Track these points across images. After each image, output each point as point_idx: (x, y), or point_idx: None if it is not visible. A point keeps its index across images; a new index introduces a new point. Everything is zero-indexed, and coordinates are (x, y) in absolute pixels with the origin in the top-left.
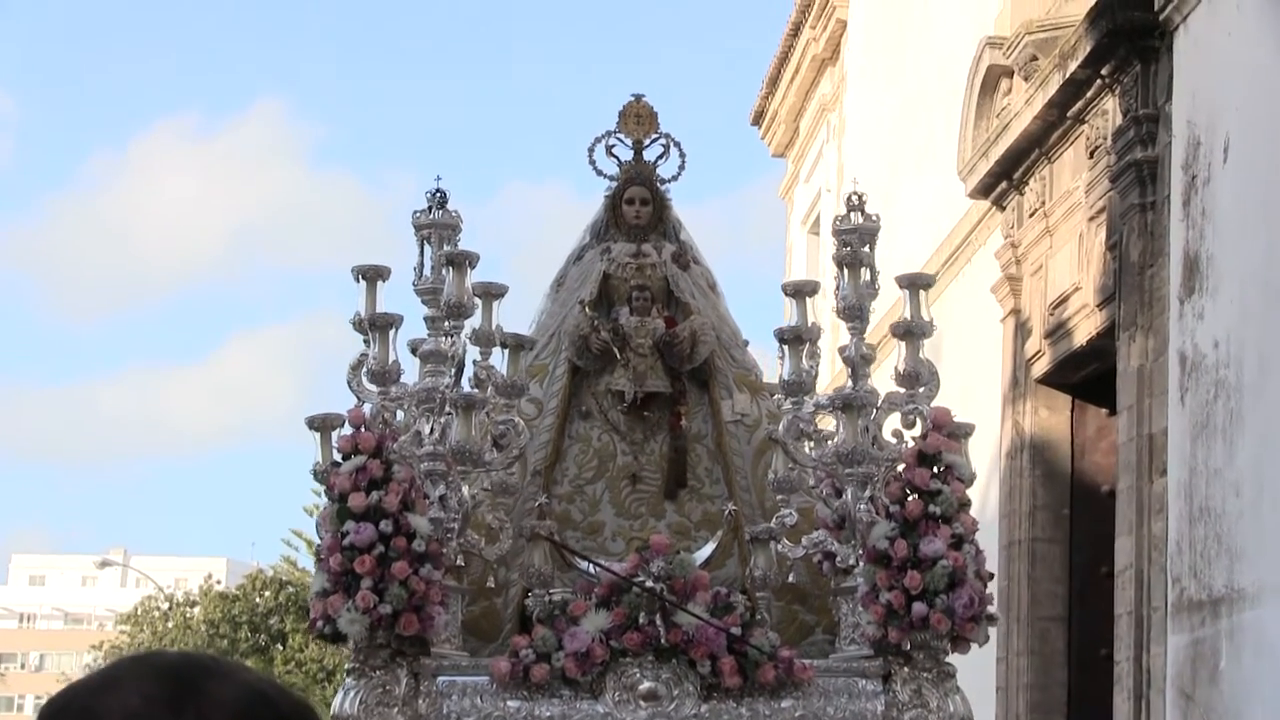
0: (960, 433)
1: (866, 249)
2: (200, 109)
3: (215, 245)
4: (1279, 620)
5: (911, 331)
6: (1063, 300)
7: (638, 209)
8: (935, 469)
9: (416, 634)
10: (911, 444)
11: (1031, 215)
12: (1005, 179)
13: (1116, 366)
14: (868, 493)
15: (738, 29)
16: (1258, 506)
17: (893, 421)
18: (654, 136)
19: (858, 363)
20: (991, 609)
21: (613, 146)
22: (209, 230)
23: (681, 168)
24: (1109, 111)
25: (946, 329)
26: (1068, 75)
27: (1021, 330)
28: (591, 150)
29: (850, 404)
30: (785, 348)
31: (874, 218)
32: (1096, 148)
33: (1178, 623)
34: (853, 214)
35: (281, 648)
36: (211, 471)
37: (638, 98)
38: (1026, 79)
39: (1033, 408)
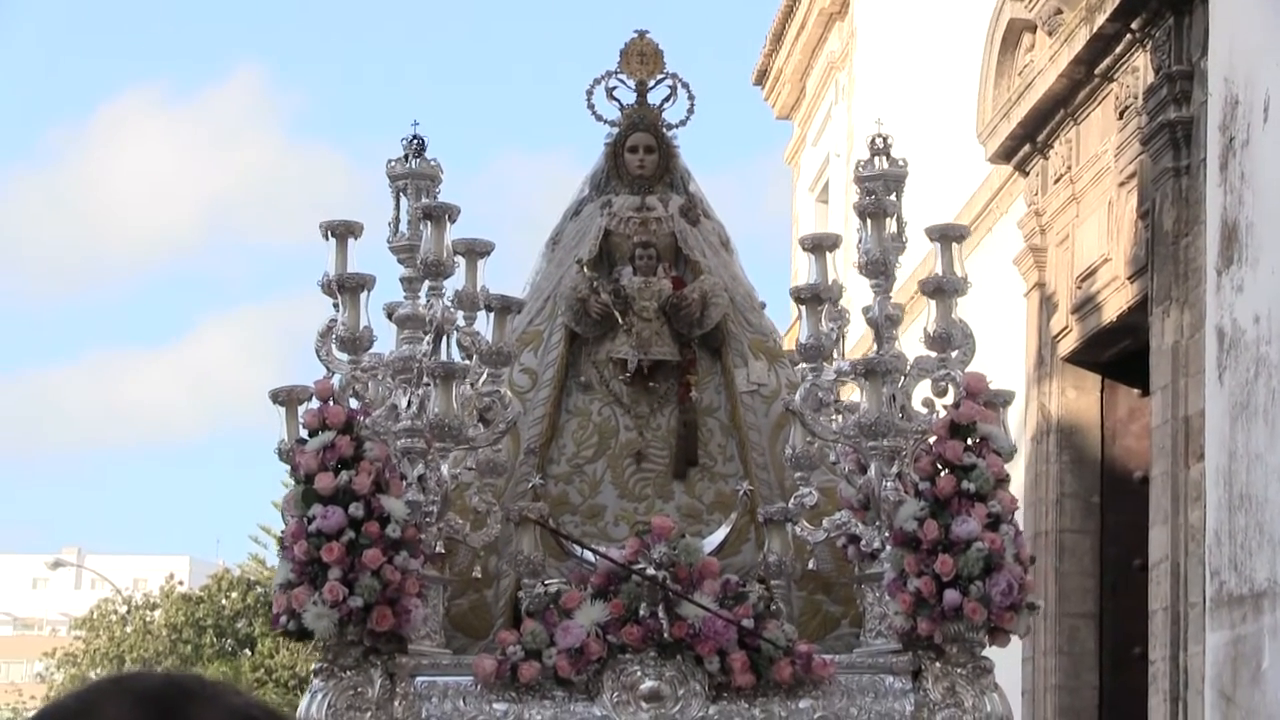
0: (998, 401)
1: (892, 197)
2: (173, 76)
3: (186, 221)
4: None
5: (943, 289)
6: (1091, 272)
7: (641, 157)
8: (969, 441)
9: (391, 630)
10: (943, 414)
11: (1057, 181)
12: (1028, 142)
13: (1149, 344)
14: (895, 469)
15: None
16: None
17: (922, 389)
18: (659, 77)
19: (883, 324)
20: (1032, 597)
21: (614, 88)
22: (179, 205)
23: (690, 111)
24: (1139, 68)
25: (965, 304)
26: (1095, 29)
27: (1047, 305)
28: (590, 92)
29: (875, 370)
30: (803, 308)
31: (901, 162)
32: (1126, 108)
33: (1217, 619)
34: (877, 158)
35: (250, 653)
36: (175, 464)
37: (641, 34)
38: (1050, 34)
39: (1059, 388)
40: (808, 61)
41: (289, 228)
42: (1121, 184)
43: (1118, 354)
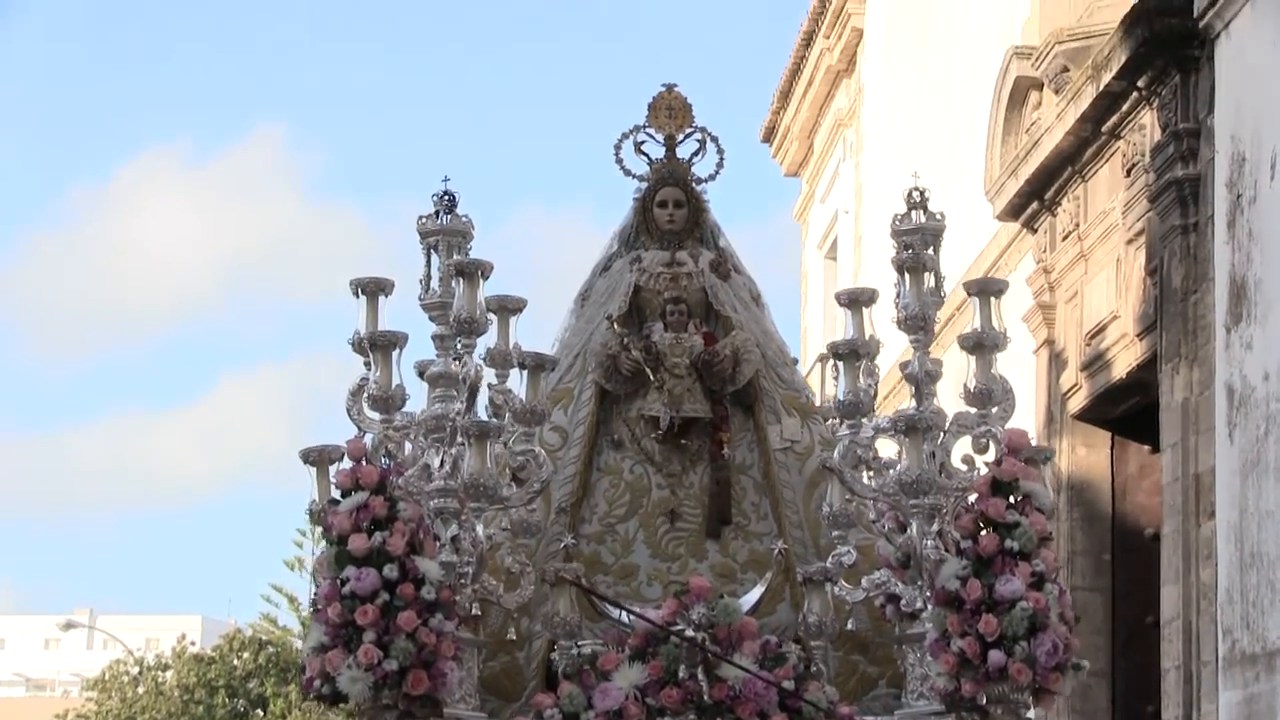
0: (1039, 458)
1: (930, 251)
2: (194, 136)
3: (206, 281)
4: None
5: (983, 344)
6: (1100, 329)
7: (671, 212)
8: (1011, 499)
9: (427, 693)
10: (983, 471)
11: (1065, 238)
12: (1036, 199)
13: (1159, 400)
14: (935, 526)
15: (746, 38)
16: None
17: (962, 446)
18: (688, 131)
19: (922, 379)
20: (1077, 658)
21: (642, 143)
22: (199, 265)
23: (720, 165)
24: (1146, 126)
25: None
26: (1102, 87)
27: (1056, 362)
28: (619, 147)
29: (915, 426)
30: (840, 364)
31: (939, 216)
32: (1134, 165)
33: (1230, 678)
34: (914, 212)
35: (262, 714)
36: (190, 523)
37: (669, 88)
38: (1057, 91)
39: (1070, 445)
40: (815, 118)
41: (309, 287)
42: (1129, 241)
43: (1127, 411)
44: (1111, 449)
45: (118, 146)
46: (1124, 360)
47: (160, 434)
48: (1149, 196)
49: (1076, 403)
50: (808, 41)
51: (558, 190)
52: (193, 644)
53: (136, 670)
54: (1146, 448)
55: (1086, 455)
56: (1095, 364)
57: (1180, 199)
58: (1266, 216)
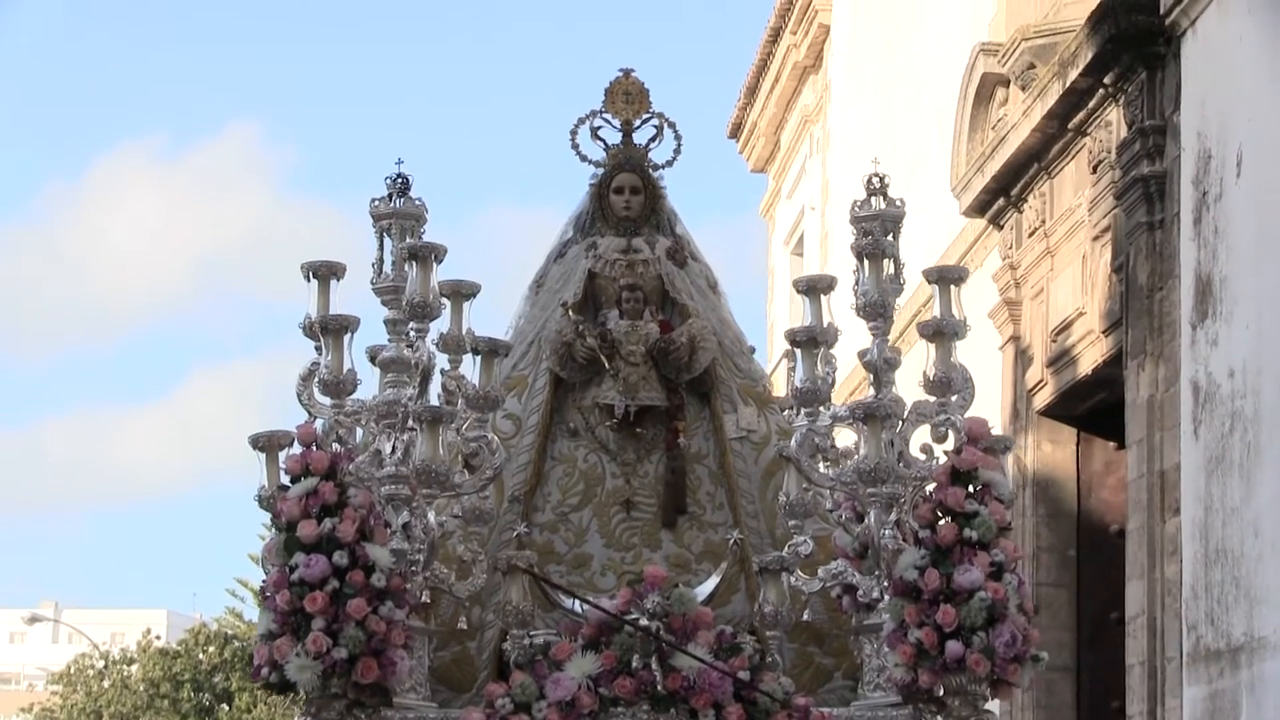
0: (999, 447)
1: (890, 238)
2: (167, 132)
3: (178, 276)
4: None
5: (942, 331)
6: (1066, 326)
7: (627, 198)
8: (971, 488)
9: (376, 682)
10: (942, 460)
11: (1031, 235)
12: (1002, 195)
13: (1125, 397)
14: (893, 516)
15: (713, 34)
16: (1278, 547)
17: (921, 435)
18: (645, 116)
19: (881, 368)
20: (1036, 649)
21: (599, 128)
22: (172, 260)
23: (677, 152)
24: (1112, 123)
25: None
26: (1068, 84)
27: (1022, 358)
28: (575, 132)
29: (874, 414)
30: (799, 352)
31: (898, 203)
32: (1100, 162)
33: (1194, 674)
34: (874, 198)
35: (227, 708)
36: (157, 518)
37: (626, 73)
38: (1024, 88)
39: (1035, 442)
40: (782, 115)
41: (280, 282)
42: (1095, 238)
43: (1093, 407)
44: (1077, 445)
45: (91, 142)
46: (1090, 357)
47: (129, 428)
48: (1115, 193)
49: (1042, 399)
50: (775, 38)
51: (529, 188)
52: (158, 638)
53: (102, 664)
54: (1112, 444)
55: (1052, 451)
56: (1061, 360)
57: (1146, 196)
58: (1232, 214)
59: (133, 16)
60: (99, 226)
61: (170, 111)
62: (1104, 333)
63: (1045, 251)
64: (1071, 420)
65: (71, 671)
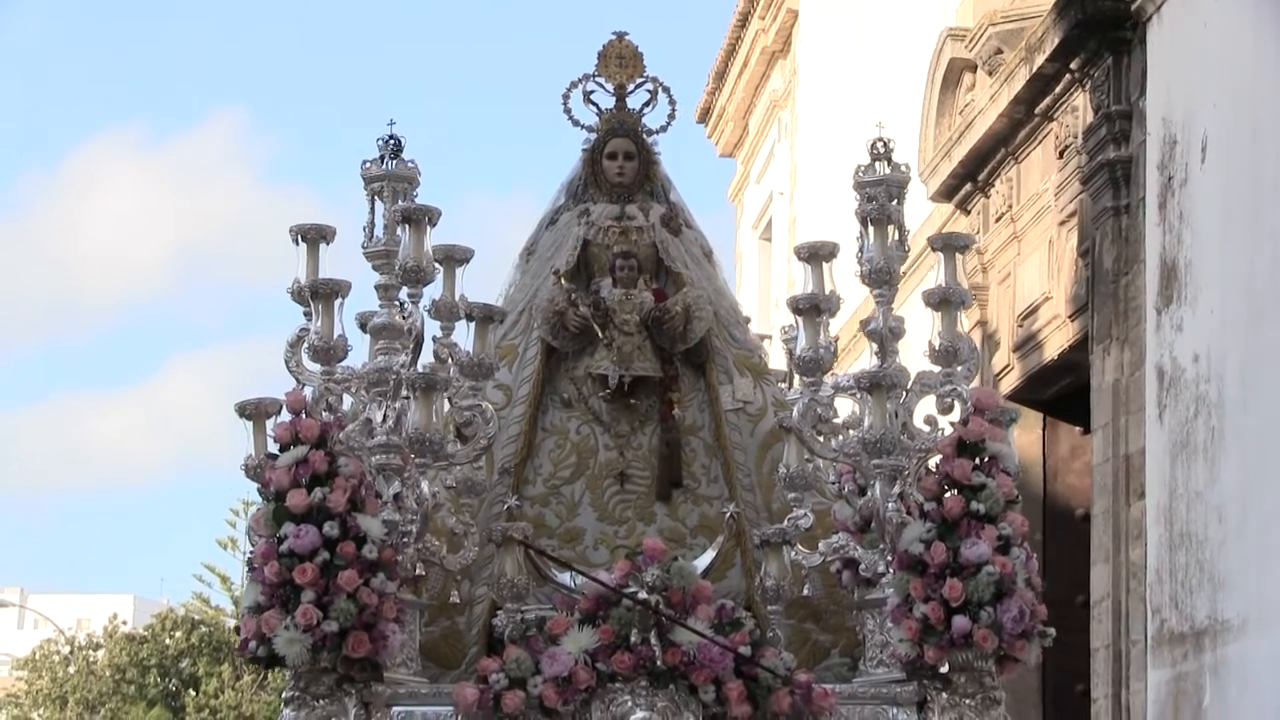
0: (1005, 418)
1: (895, 203)
2: (148, 120)
3: (159, 264)
4: (1265, 654)
5: (949, 299)
6: (1032, 311)
7: (621, 164)
8: (978, 460)
9: (367, 656)
10: (949, 431)
11: (998, 220)
12: (969, 181)
13: (1090, 382)
14: (897, 489)
15: (682, 19)
16: (1242, 532)
17: (926, 406)
18: (639, 81)
19: (886, 336)
20: (1043, 625)
21: (591, 92)
22: (152, 248)
23: (671, 116)
24: (1079, 108)
25: (907, 343)
26: (1035, 69)
27: (988, 343)
28: (567, 97)
29: (878, 384)
30: (800, 320)
31: (904, 168)
32: (1066, 147)
33: (1158, 657)
34: (878, 164)
35: (194, 694)
36: (127, 504)
37: (620, 36)
38: (991, 73)
39: None
40: (750, 99)
41: (263, 270)
42: (1062, 223)
43: (1059, 392)
44: (1043, 430)
45: (71, 129)
46: (1056, 341)
47: (106, 415)
48: (1081, 178)
49: (1009, 384)
50: (743, 22)
51: (505, 176)
52: (124, 623)
53: (67, 650)
54: (1078, 429)
55: (1018, 436)
56: (1027, 345)
57: (1112, 181)
58: (1197, 199)
59: (111, 4)
60: (78, 216)
61: (151, 100)
62: (1070, 317)
63: (1012, 236)
64: (1038, 405)
65: (37, 657)
